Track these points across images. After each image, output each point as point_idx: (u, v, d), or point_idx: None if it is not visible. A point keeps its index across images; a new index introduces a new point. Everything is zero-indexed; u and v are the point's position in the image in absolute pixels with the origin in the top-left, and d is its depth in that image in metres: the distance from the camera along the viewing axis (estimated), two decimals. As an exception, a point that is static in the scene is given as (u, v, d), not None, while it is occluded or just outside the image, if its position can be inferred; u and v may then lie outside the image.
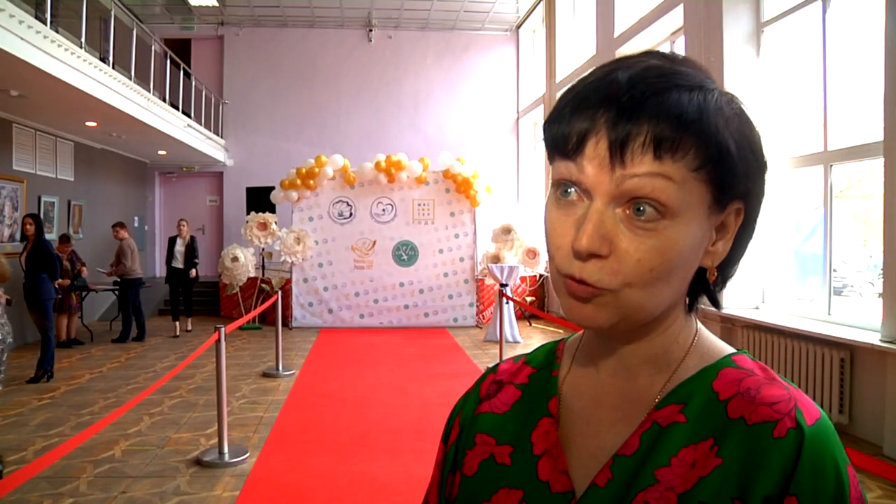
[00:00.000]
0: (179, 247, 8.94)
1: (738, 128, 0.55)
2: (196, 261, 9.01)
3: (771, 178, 5.64)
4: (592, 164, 0.53)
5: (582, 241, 0.53)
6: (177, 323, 8.90)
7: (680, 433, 0.56)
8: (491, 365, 0.89)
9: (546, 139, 0.58)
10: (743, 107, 0.57)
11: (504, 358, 0.78)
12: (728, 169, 0.54)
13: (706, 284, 0.62)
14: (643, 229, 0.53)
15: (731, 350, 0.61)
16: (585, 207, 0.54)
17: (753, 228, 0.60)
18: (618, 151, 0.52)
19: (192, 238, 9.06)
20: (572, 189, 0.55)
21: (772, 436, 0.52)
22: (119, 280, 8.39)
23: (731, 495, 0.52)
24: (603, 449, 0.59)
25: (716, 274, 0.59)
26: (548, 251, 0.57)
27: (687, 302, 0.62)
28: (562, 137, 0.55)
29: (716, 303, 0.64)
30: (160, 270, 8.86)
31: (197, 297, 9.68)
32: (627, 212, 0.53)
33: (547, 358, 0.70)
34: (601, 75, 0.56)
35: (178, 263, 8.91)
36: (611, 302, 0.54)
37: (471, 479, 0.66)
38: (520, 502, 0.61)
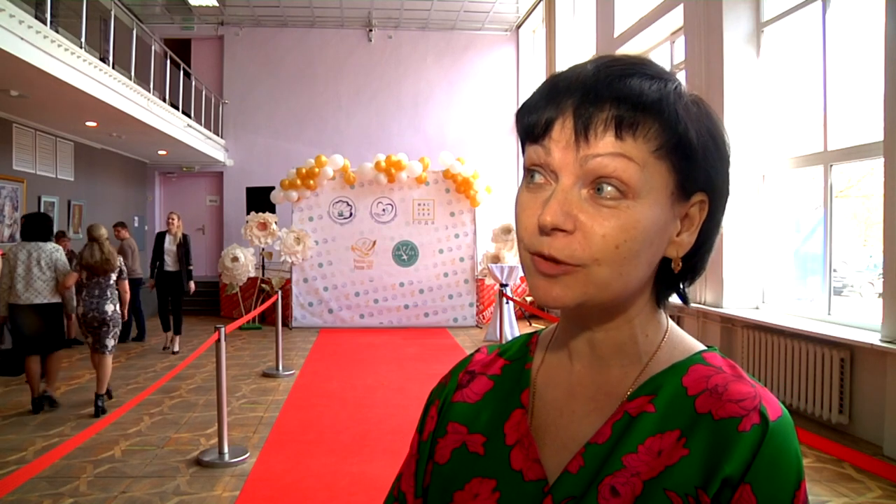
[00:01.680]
0: (169, 245, 7.61)
1: (698, 116, 0.58)
2: (190, 267, 7.73)
3: (771, 179, 5.66)
4: (559, 146, 0.56)
5: (546, 216, 0.55)
6: (168, 333, 7.83)
7: (648, 422, 0.58)
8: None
9: (518, 128, 0.61)
10: (705, 104, 0.60)
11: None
12: (688, 154, 0.56)
13: (674, 279, 0.63)
14: (606, 207, 0.55)
15: (701, 347, 0.63)
16: (552, 188, 0.57)
17: (718, 223, 0.62)
18: (582, 132, 0.55)
19: (185, 236, 7.75)
20: (539, 173, 0.58)
21: (737, 430, 0.54)
22: (119, 280, 8.34)
23: (695, 484, 0.55)
24: (576, 439, 0.61)
25: (681, 265, 0.61)
26: (517, 234, 0.59)
27: (656, 298, 0.64)
28: (532, 124, 0.58)
29: (684, 298, 0.66)
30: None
31: (197, 297, 9.52)
32: (591, 191, 0.56)
33: (520, 350, 0.72)
34: (572, 68, 0.59)
35: (168, 265, 7.64)
36: (579, 280, 0.56)
37: (443, 466, 0.67)
38: (493, 491, 0.62)
